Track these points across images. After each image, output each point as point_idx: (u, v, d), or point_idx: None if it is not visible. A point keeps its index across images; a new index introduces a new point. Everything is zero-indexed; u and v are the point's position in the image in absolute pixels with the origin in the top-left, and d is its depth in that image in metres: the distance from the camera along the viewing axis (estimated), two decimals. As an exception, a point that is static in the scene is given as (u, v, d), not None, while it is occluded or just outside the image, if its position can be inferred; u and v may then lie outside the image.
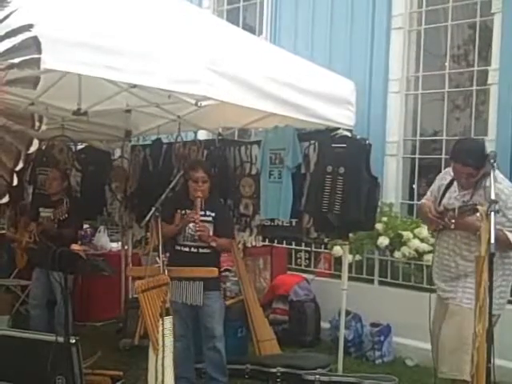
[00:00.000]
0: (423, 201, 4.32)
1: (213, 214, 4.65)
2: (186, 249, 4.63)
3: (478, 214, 3.53)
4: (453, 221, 3.77)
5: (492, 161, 3.53)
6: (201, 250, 4.62)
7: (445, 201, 4.07)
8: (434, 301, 4.07)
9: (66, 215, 5.24)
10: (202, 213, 4.57)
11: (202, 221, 4.56)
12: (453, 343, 3.82)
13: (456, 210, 3.76)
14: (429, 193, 4.33)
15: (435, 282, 4.15)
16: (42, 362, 3.88)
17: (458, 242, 3.95)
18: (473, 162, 3.80)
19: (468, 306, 3.76)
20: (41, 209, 5.62)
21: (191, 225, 4.56)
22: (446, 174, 4.19)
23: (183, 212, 4.63)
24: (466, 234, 3.86)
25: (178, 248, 4.65)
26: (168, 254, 4.64)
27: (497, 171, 3.72)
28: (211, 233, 4.60)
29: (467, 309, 3.75)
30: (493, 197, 3.29)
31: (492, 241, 3.12)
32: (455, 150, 3.99)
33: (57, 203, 5.44)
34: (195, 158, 5.75)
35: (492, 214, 3.19)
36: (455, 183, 4.07)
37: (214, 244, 4.56)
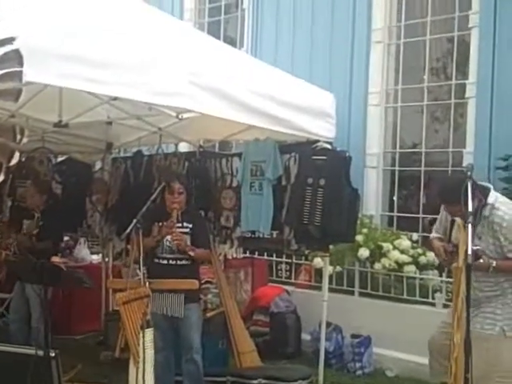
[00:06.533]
0: (433, 234, 4.28)
1: (190, 226, 4.66)
2: (165, 261, 4.62)
3: (481, 260, 3.64)
4: None
5: (468, 173, 3.56)
6: (179, 262, 4.61)
7: (454, 234, 3.98)
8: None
9: (40, 227, 5.24)
10: (179, 224, 4.58)
11: (179, 232, 4.56)
12: (479, 370, 3.45)
13: None
14: (437, 222, 4.26)
15: None
16: (21, 376, 3.84)
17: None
18: (458, 197, 3.53)
19: (489, 332, 3.77)
20: (24, 221, 5.56)
21: (169, 237, 4.57)
22: None
23: (161, 224, 4.63)
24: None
25: (157, 261, 4.64)
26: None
27: (498, 194, 3.85)
28: (188, 243, 4.60)
29: (488, 334, 3.75)
30: (470, 209, 3.33)
31: (469, 252, 3.15)
32: (440, 193, 3.94)
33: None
34: (171, 171, 5.76)
35: (469, 225, 3.23)
36: None
37: (192, 253, 4.55)
